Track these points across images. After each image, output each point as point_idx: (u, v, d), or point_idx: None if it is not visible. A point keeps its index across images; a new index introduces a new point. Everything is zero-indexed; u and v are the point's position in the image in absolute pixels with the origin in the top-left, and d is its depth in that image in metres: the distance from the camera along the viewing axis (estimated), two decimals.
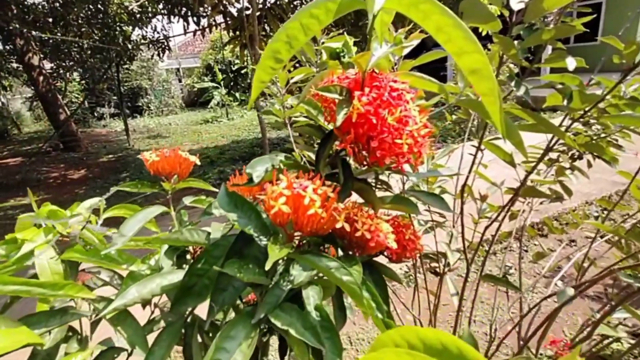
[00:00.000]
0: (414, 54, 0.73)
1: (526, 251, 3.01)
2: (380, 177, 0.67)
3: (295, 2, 5.66)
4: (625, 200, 3.65)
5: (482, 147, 0.85)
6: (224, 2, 4.86)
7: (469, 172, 0.84)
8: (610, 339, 1.10)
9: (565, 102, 0.69)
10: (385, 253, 0.65)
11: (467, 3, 0.64)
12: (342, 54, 0.43)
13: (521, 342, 1.26)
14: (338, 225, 0.41)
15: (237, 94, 12.40)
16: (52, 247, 0.68)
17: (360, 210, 0.53)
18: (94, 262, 0.70)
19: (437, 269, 1.23)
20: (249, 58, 5.38)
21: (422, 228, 1.03)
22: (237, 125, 9.67)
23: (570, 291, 0.83)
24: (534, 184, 1.08)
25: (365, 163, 0.49)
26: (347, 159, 0.53)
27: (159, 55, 7.82)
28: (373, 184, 0.66)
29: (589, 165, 1.21)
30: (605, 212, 3.28)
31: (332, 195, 0.42)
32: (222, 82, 12.21)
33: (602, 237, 1.23)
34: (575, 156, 1.26)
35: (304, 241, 0.49)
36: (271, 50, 0.44)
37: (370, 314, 0.51)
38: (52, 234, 0.68)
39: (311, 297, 0.47)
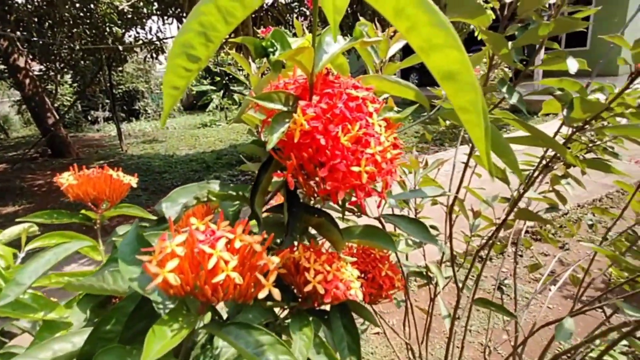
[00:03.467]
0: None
1: (521, 256, 2.91)
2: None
3: (293, 4, 5.52)
4: (614, 203, 3.58)
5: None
6: None
7: (458, 188, 0.72)
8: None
9: (564, 112, 0.57)
10: None
11: None
12: (270, 50, 0.31)
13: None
14: (261, 295, 0.28)
15: (236, 97, 12.30)
16: None
17: (317, 254, 0.41)
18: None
19: (430, 283, 1.12)
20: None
21: (410, 249, 0.91)
22: (236, 129, 9.50)
23: (570, 325, 0.71)
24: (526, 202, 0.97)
25: (315, 196, 0.37)
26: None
27: (152, 57, 7.62)
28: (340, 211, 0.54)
29: (583, 172, 1.11)
30: (597, 217, 3.20)
31: (259, 248, 0.29)
32: (217, 85, 12.09)
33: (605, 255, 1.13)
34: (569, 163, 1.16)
35: None
36: (181, 44, 0.32)
37: None
38: None
39: None
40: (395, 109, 0.47)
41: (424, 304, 1.97)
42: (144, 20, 6.75)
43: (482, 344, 2.15)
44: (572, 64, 0.54)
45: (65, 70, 8.10)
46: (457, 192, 0.71)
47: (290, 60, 0.32)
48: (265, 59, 0.39)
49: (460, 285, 0.87)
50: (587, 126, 0.62)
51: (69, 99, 11.00)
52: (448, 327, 1.08)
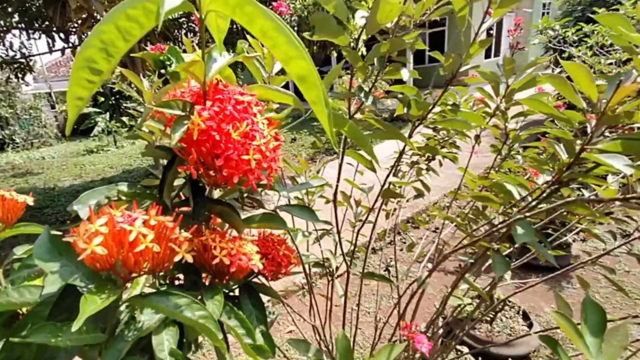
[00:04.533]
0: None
1: (404, 243, 3.28)
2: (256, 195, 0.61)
3: (181, 20, 5.30)
4: (469, 189, 4.29)
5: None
6: (96, 15, 4.23)
7: (337, 180, 0.84)
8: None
9: (405, 110, 0.73)
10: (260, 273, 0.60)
11: (317, 17, 0.63)
12: (167, 63, 0.37)
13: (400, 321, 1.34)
14: (176, 258, 0.33)
15: (125, 119, 11.15)
16: None
17: (222, 235, 0.46)
18: None
19: (328, 274, 1.23)
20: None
21: (306, 239, 1.00)
22: (128, 154, 8.59)
23: (424, 277, 0.88)
24: (396, 186, 1.15)
25: (216, 184, 0.42)
26: (203, 181, 0.46)
27: (16, 77, 6.49)
28: (240, 204, 0.60)
29: (441, 164, 1.36)
30: (456, 201, 3.79)
31: (171, 225, 0.34)
32: (102, 107, 10.83)
33: (452, 222, 1.38)
34: (430, 157, 1.41)
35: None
36: (84, 59, 0.35)
37: (241, 345, 0.44)
38: None
39: (165, 341, 0.39)
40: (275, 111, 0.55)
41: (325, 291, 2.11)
42: (2, 34, 5.73)
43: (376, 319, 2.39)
44: (405, 74, 0.69)
45: None
46: (337, 182, 0.82)
47: (184, 72, 0.38)
48: (156, 75, 0.43)
49: (348, 262, 0.99)
50: (424, 121, 0.79)
51: None
52: (342, 302, 1.21)
